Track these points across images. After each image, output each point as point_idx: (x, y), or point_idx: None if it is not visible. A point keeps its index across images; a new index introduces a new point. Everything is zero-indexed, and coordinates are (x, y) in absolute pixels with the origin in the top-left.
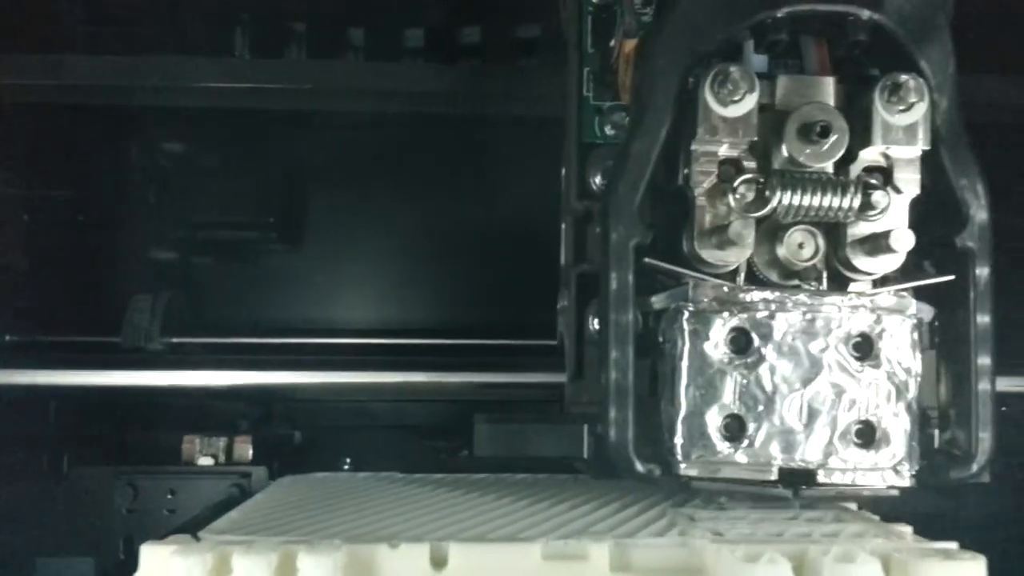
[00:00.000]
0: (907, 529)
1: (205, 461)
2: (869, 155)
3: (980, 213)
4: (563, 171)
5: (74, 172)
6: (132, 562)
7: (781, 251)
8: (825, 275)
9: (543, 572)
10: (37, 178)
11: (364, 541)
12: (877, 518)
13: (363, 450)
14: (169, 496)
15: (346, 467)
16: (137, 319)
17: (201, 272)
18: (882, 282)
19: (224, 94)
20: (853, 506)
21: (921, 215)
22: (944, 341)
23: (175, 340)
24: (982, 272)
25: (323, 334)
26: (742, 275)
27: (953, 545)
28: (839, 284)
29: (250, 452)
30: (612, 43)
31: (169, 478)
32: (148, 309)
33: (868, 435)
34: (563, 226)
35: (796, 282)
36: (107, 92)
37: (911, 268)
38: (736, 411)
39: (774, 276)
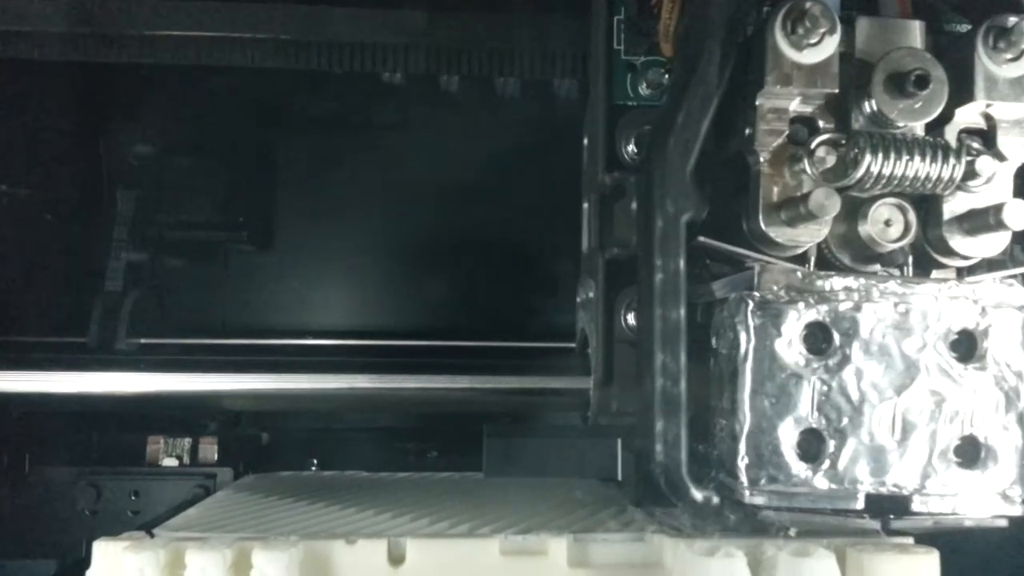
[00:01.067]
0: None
1: (170, 462)
2: (967, 115)
3: None
4: (585, 140)
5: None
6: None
7: (864, 229)
8: (911, 259)
9: (501, 567)
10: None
11: (322, 537)
12: None
13: (331, 451)
14: (133, 497)
15: (313, 468)
16: (103, 319)
17: (170, 272)
18: (970, 269)
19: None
20: None
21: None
22: None
23: (143, 341)
24: None
25: (295, 335)
26: (813, 259)
27: (908, 540)
28: (923, 270)
29: (215, 453)
30: None
31: (132, 479)
32: (115, 309)
33: (972, 453)
34: (585, 204)
35: (876, 267)
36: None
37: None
38: (815, 425)
39: (847, 260)
